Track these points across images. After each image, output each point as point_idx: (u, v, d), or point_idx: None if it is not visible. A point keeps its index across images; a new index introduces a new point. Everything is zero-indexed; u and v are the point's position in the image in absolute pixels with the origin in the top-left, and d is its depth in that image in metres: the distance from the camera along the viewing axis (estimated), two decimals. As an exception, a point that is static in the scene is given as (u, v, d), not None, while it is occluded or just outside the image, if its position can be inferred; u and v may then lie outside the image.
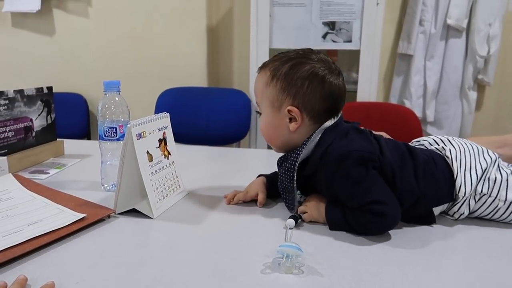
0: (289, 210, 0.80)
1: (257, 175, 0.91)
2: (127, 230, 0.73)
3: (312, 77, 0.76)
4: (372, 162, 0.71)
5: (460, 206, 0.75)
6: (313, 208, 0.76)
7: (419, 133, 1.89)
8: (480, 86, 2.18)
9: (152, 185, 0.78)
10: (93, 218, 0.74)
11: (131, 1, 2.18)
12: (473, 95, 2.14)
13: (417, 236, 0.71)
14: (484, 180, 0.75)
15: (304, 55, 0.79)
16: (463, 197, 0.74)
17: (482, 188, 0.74)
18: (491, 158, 0.77)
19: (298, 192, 0.83)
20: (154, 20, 2.19)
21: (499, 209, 0.74)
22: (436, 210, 0.77)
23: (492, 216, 0.76)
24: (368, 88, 1.93)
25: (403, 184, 0.72)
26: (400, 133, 1.89)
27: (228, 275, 0.58)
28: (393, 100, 2.21)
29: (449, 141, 0.81)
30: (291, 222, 0.71)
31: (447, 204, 0.77)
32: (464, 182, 0.74)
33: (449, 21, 2.00)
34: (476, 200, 0.75)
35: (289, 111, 0.76)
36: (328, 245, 0.67)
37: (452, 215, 0.77)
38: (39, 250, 0.64)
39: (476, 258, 0.64)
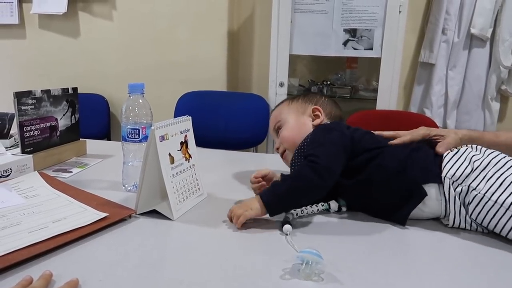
0: None
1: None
2: (148, 230, 0.74)
3: (325, 97, 1.00)
4: (337, 130, 0.83)
5: (449, 195, 0.73)
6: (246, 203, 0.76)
7: (439, 143, 1.86)
8: (503, 97, 2.14)
9: (173, 187, 0.79)
10: (114, 217, 0.75)
11: (154, 5, 2.21)
12: (495, 105, 2.10)
13: (439, 249, 0.70)
14: (478, 175, 0.71)
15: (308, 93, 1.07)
16: (445, 176, 0.73)
17: (472, 182, 0.71)
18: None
19: None
20: (176, 24, 2.22)
21: (495, 212, 0.68)
22: (432, 207, 0.76)
23: (491, 223, 0.70)
24: (388, 96, 1.91)
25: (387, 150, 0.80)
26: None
27: (247, 280, 0.58)
28: (413, 109, 2.18)
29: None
30: (288, 227, 0.71)
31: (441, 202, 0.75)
32: (450, 163, 0.75)
33: (473, 31, 1.97)
34: (470, 199, 0.71)
35: (314, 110, 0.94)
36: (347, 254, 0.66)
37: (446, 217, 0.75)
38: (63, 247, 0.65)
39: (499, 273, 0.63)
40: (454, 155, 0.77)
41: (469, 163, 0.74)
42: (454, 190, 0.73)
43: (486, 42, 2.01)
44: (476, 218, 0.72)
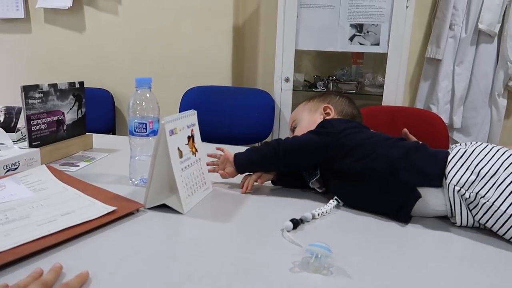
0: (308, 183, 0.89)
1: None
2: (156, 224, 0.74)
3: (341, 96, 1.04)
4: (324, 132, 0.86)
5: (454, 199, 0.72)
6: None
7: (446, 139, 1.85)
8: (510, 93, 2.13)
9: (182, 181, 0.79)
10: (123, 211, 0.75)
11: (159, -1, 2.21)
12: (502, 102, 2.08)
13: (446, 245, 0.70)
14: (487, 182, 0.69)
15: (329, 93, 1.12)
16: (450, 183, 0.71)
17: (480, 190, 0.69)
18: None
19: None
20: (181, 19, 2.21)
21: (505, 222, 0.67)
22: (435, 206, 0.75)
23: (500, 230, 0.69)
24: (394, 92, 1.90)
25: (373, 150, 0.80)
26: (426, 139, 1.85)
27: (257, 273, 0.58)
28: (419, 105, 2.17)
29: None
30: (289, 224, 0.71)
31: (443, 205, 0.74)
32: (455, 169, 0.72)
33: (480, 26, 1.96)
34: (477, 205, 0.70)
35: (325, 108, 0.99)
36: (357, 248, 0.66)
37: (453, 217, 0.74)
38: (72, 240, 0.65)
39: (504, 271, 0.62)
40: (459, 159, 0.73)
41: (472, 171, 0.71)
42: (461, 196, 0.71)
43: (493, 38, 1.99)
44: (484, 223, 0.71)
